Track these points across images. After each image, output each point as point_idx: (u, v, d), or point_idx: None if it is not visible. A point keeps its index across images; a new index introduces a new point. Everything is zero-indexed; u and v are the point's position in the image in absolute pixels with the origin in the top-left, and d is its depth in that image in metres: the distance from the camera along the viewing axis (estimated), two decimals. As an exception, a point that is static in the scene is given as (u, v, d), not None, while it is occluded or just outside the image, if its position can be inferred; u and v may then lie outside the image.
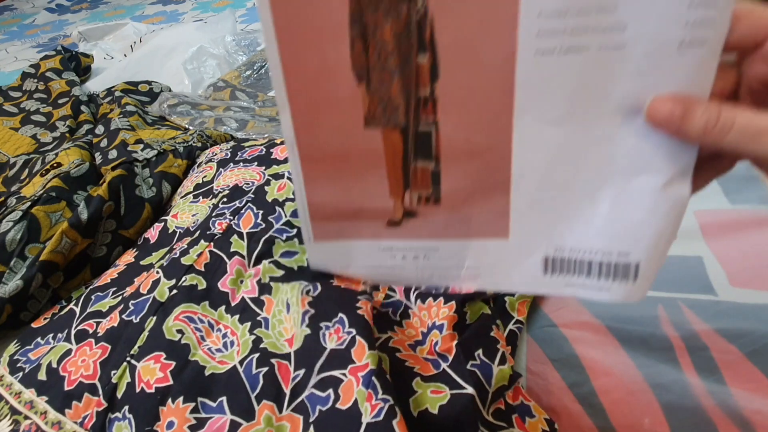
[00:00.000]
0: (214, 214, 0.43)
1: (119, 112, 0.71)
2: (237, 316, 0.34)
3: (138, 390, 0.30)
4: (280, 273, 0.37)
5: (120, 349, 0.33)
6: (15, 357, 0.37)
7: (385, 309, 0.35)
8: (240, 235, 0.40)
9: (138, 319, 0.34)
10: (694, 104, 0.22)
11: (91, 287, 0.42)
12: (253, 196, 0.45)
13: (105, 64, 1.04)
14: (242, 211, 0.43)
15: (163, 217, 0.48)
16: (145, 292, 0.37)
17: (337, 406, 0.28)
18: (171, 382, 0.30)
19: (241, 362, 0.31)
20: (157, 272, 0.38)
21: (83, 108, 0.78)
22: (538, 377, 0.36)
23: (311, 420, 0.28)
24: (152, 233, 0.47)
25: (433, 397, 0.29)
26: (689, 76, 0.23)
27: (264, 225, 0.41)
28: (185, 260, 0.38)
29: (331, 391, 0.28)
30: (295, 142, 0.29)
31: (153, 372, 0.30)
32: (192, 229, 0.44)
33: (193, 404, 0.29)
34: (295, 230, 0.40)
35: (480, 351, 0.31)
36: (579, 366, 0.36)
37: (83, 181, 0.54)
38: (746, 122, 0.22)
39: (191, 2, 1.53)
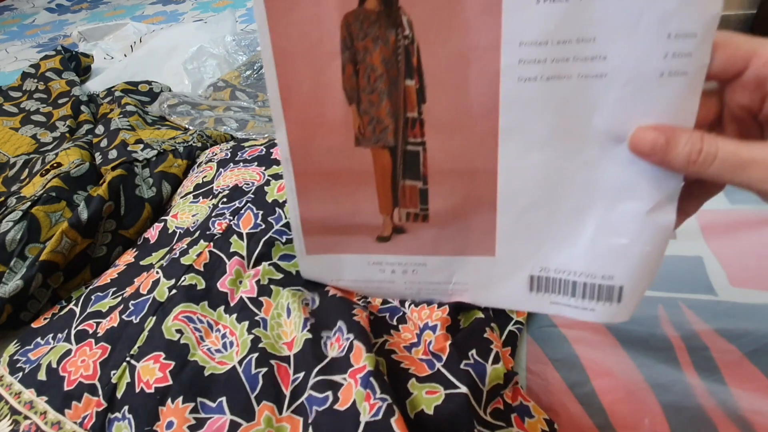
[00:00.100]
0: (213, 215, 0.43)
1: (119, 112, 0.71)
2: (235, 315, 0.34)
3: (138, 390, 0.30)
4: (279, 276, 0.37)
5: (120, 350, 0.33)
6: (15, 357, 0.37)
7: (382, 314, 0.36)
8: (240, 235, 0.40)
9: (138, 320, 0.34)
10: (678, 135, 0.22)
11: (91, 287, 0.42)
12: (253, 196, 0.45)
13: (105, 64, 1.04)
14: (242, 212, 0.43)
15: (163, 217, 0.48)
16: (144, 293, 0.37)
17: (336, 407, 0.28)
18: (170, 382, 0.30)
19: (240, 362, 0.31)
20: (157, 272, 0.38)
21: (83, 108, 0.78)
22: (538, 377, 0.36)
23: (310, 421, 0.28)
24: (152, 233, 0.47)
25: (428, 398, 0.29)
26: (672, 105, 0.23)
27: (264, 226, 0.41)
28: (185, 260, 0.38)
29: (329, 393, 0.29)
30: (290, 158, 0.30)
31: (152, 372, 0.30)
32: (192, 230, 0.44)
33: (192, 404, 0.29)
34: (294, 231, 0.40)
35: (473, 351, 0.31)
36: (579, 366, 0.36)
37: (83, 181, 0.54)
38: (729, 154, 0.22)
39: (191, 2, 1.53)
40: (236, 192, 0.46)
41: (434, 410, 0.28)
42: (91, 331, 0.36)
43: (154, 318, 0.34)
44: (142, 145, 0.60)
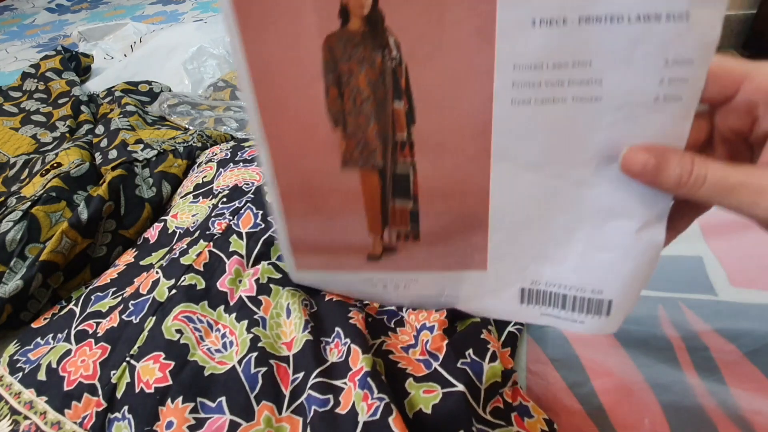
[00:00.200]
0: (213, 214, 0.43)
1: (119, 112, 0.71)
2: (235, 315, 0.34)
3: (137, 390, 0.30)
4: (278, 275, 0.37)
5: (120, 350, 0.33)
6: (15, 357, 0.37)
7: (380, 316, 0.36)
8: (239, 234, 0.40)
9: (138, 320, 0.34)
10: (668, 156, 0.22)
11: (90, 287, 0.42)
12: (252, 196, 0.45)
13: (105, 64, 1.04)
14: (242, 211, 0.43)
15: (162, 217, 0.48)
16: (144, 293, 0.37)
17: (337, 411, 0.28)
18: (170, 382, 0.30)
19: (239, 362, 0.31)
20: (157, 272, 0.38)
21: (83, 108, 0.78)
22: (538, 377, 0.36)
23: (308, 421, 0.28)
24: (152, 233, 0.47)
25: (425, 397, 0.29)
26: (664, 128, 0.23)
27: (263, 225, 0.41)
28: (184, 260, 0.38)
29: (330, 396, 0.29)
30: (275, 180, 0.29)
31: (152, 372, 0.30)
32: (192, 229, 0.44)
33: (192, 404, 0.29)
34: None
35: (470, 351, 0.31)
36: (579, 366, 0.36)
37: (83, 181, 0.54)
38: (718, 178, 0.22)
39: (191, 2, 1.53)
40: (236, 192, 0.46)
41: (432, 409, 0.28)
42: (91, 331, 0.36)
43: (154, 318, 0.34)
44: (142, 145, 0.60)
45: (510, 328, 0.38)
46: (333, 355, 0.31)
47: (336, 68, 0.25)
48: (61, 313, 0.40)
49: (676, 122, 0.22)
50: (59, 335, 0.37)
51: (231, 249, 0.39)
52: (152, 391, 0.30)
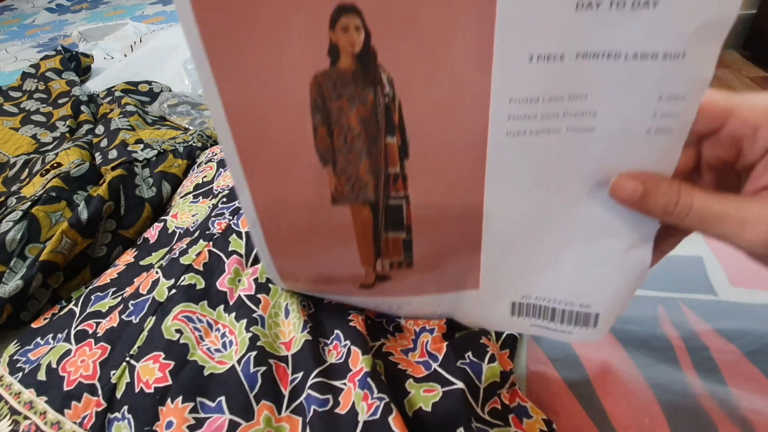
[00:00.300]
0: (213, 214, 0.43)
1: (119, 112, 0.71)
2: (234, 314, 0.34)
3: (137, 390, 0.30)
4: (278, 274, 0.37)
5: (119, 349, 0.33)
6: (15, 357, 0.37)
7: (379, 319, 0.36)
8: (239, 234, 0.40)
9: (137, 320, 0.34)
10: (656, 185, 0.23)
11: (90, 287, 0.42)
12: (252, 196, 0.45)
13: (105, 64, 1.04)
14: (242, 211, 0.43)
15: (162, 217, 0.48)
16: (144, 293, 0.37)
17: (337, 411, 0.28)
18: (170, 382, 0.30)
19: (239, 361, 0.31)
20: (157, 272, 0.38)
21: (83, 108, 0.78)
22: (538, 377, 0.36)
23: (308, 420, 0.28)
24: (152, 233, 0.47)
25: (425, 396, 0.29)
26: (654, 157, 0.23)
27: (263, 225, 0.41)
28: (184, 260, 0.38)
29: (330, 396, 0.29)
30: (258, 222, 0.28)
31: (152, 372, 0.30)
32: (191, 229, 0.44)
33: (192, 404, 0.29)
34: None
35: (470, 353, 0.32)
36: (579, 366, 0.36)
37: (83, 181, 0.54)
38: (703, 208, 0.22)
39: (191, 2, 1.52)
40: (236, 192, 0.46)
41: (432, 407, 0.29)
42: (90, 331, 0.36)
43: (154, 318, 0.34)
44: (142, 145, 0.60)
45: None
46: (332, 357, 0.31)
47: (325, 107, 0.24)
48: (61, 313, 0.40)
49: (666, 153, 0.23)
50: (59, 335, 0.37)
51: (230, 248, 0.39)
52: (152, 390, 0.30)
